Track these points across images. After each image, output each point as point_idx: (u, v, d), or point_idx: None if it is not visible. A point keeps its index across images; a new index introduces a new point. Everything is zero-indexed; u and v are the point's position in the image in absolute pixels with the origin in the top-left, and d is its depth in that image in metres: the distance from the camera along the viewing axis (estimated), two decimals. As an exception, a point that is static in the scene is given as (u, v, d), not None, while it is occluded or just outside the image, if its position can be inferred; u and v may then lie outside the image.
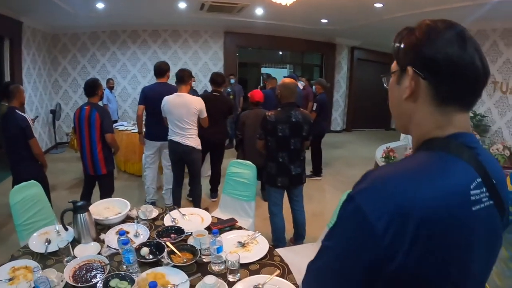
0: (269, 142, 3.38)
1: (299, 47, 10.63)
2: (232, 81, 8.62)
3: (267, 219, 3.67)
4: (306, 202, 3.79)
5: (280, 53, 11.25)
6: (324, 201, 5.42)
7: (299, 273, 1.87)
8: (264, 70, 11.20)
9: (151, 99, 4.32)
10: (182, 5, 6.94)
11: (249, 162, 3.31)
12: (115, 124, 6.47)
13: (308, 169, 6.22)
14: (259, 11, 7.43)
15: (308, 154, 6.29)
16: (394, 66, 0.88)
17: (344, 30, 8.89)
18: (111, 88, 8.09)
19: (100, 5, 6.69)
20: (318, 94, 6.34)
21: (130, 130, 6.16)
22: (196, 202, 4.35)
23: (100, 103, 4.04)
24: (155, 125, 4.42)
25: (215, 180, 5.13)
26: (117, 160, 6.22)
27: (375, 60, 11.47)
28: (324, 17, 7.97)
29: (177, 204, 4.32)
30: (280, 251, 2.19)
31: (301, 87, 7.88)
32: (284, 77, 4.82)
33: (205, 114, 4.09)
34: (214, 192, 5.17)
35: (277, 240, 3.55)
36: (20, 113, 3.58)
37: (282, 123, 3.25)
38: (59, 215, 2.26)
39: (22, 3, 6.05)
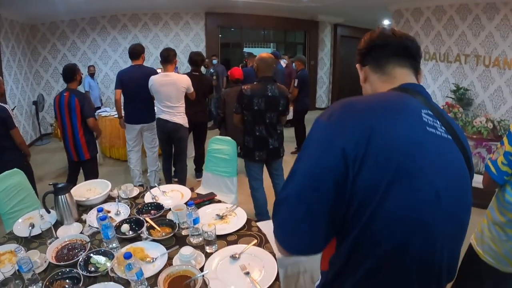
0: (245, 116, 3.42)
1: (281, 25, 10.57)
2: (215, 61, 8.61)
3: (247, 194, 3.76)
4: None
5: (263, 32, 11.18)
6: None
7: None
8: (247, 50, 11.13)
9: (127, 83, 4.34)
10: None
11: (229, 138, 3.34)
12: (98, 111, 6.50)
13: (293, 145, 6.34)
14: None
15: (292, 131, 6.43)
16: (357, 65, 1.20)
17: (327, 7, 8.82)
18: (92, 75, 8.04)
19: (78, -9, 6.50)
20: (299, 71, 6.38)
21: (113, 115, 6.18)
22: (181, 181, 4.42)
23: (82, 90, 4.05)
24: (133, 108, 4.46)
25: (199, 160, 5.21)
26: (102, 146, 6.27)
27: (358, 36, 11.16)
28: (306, -6, 7.88)
29: (169, 181, 4.42)
30: (260, 224, 2.25)
31: (284, 65, 7.95)
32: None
33: (191, 90, 4.24)
34: (199, 172, 5.24)
35: (260, 214, 3.64)
36: (0, 103, 3.59)
37: (258, 97, 3.28)
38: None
39: None
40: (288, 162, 3.77)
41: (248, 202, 3.73)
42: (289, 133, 3.70)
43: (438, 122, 0.91)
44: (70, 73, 3.86)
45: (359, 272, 0.88)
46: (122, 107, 4.57)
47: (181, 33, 9.57)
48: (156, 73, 4.45)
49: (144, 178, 4.96)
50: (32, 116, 8.57)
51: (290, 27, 10.86)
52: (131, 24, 9.20)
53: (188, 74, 4.67)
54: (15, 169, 2.83)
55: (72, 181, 4.07)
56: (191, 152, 5.32)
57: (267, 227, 2.01)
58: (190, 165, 5.10)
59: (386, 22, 9.34)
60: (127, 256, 1.51)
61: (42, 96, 8.68)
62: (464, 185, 0.94)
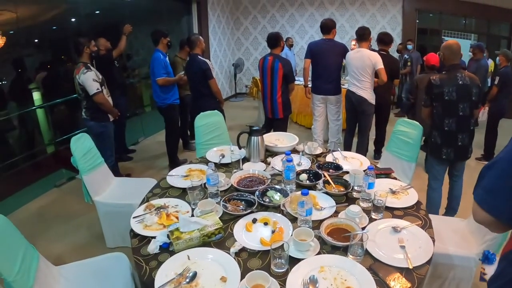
0: (434, 109, 3.17)
1: (484, 14, 9.21)
2: (410, 47, 8.20)
3: (422, 190, 3.46)
4: (468, 184, 3.42)
5: (464, 20, 10.08)
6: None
7: (439, 238, 1.91)
8: (446, 38, 10.25)
9: (316, 54, 4.55)
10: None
11: (417, 123, 3.15)
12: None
13: (480, 151, 5.67)
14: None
15: (482, 135, 5.69)
16: None
17: None
18: (290, 46, 8.57)
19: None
20: (502, 67, 5.59)
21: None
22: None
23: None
24: (319, 79, 4.64)
25: (379, 141, 5.17)
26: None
27: None
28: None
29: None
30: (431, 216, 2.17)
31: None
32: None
33: (379, 66, 4.22)
34: (377, 153, 5.20)
35: (429, 213, 3.42)
36: (201, 58, 4.22)
37: (448, 86, 3.01)
38: (234, 142, 2.71)
39: None
40: (471, 167, 3.42)
41: (419, 198, 3.54)
42: (477, 137, 3.31)
43: None
44: (275, 40, 4.26)
45: None
46: (310, 78, 4.78)
47: (377, 14, 9.36)
48: (346, 48, 4.59)
49: (323, 147, 5.14)
50: (230, 76, 9.92)
51: (494, 17, 9.39)
52: (328, 2, 9.42)
53: (376, 51, 4.60)
54: (216, 110, 3.40)
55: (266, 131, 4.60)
56: (372, 133, 5.28)
57: (434, 220, 1.98)
58: (370, 146, 5.12)
59: None
60: (305, 193, 1.69)
61: (241, 60, 9.84)
62: None
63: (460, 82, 3.00)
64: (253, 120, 7.34)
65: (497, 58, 5.92)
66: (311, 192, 2.06)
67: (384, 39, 4.75)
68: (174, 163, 4.69)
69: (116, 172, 4.03)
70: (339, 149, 3.01)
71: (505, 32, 9.80)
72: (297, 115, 7.01)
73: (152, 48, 4.66)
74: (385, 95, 4.76)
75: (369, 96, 4.39)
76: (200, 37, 4.43)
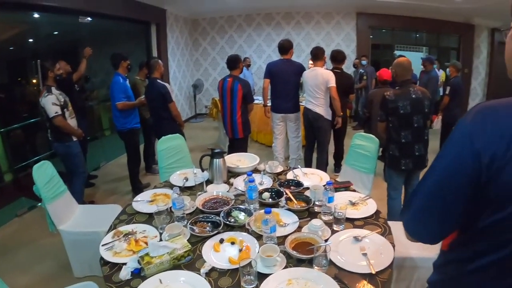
0: (390, 123, 3.33)
1: (434, 28, 9.85)
2: (364, 62, 8.59)
3: (382, 199, 3.62)
4: None
5: (415, 35, 10.64)
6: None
7: (401, 243, 2.01)
8: (398, 52, 10.72)
9: (274, 74, 4.70)
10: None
11: (373, 136, 3.31)
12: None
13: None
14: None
15: (437, 142, 5.99)
16: None
17: (483, 8, 7.90)
18: (247, 66, 8.74)
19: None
20: (452, 78, 5.94)
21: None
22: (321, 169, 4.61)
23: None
24: (278, 98, 4.78)
25: (338, 155, 5.35)
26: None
27: None
28: (460, -6, 7.25)
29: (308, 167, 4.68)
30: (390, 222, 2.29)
31: (438, 71, 7.48)
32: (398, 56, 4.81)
33: (330, 84, 4.40)
34: (338, 167, 5.37)
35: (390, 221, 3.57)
36: (160, 81, 4.27)
37: (402, 100, 3.18)
38: (196, 165, 2.76)
39: None
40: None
41: (379, 207, 3.67)
42: (432, 145, 3.52)
43: None
44: (234, 62, 4.41)
45: (483, 260, 0.91)
46: (269, 97, 4.93)
47: (332, 32, 9.74)
48: (303, 67, 4.79)
49: (285, 165, 5.24)
50: (190, 97, 9.95)
51: (443, 30, 10.00)
52: (285, 22, 9.74)
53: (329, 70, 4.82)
54: (177, 134, 3.46)
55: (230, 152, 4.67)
56: (331, 147, 5.44)
57: (393, 226, 2.09)
58: (330, 160, 5.30)
59: None
60: (268, 211, 1.78)
61: (201, 81, 9.92)
62: None
63: (413, 96, 3.19)
64: (214, 141, 7.40)
65: (448, 69, 6.27)
66: (274, 209, 2.15)
67: (337, 57, 4.94)
68: (137, 188, 4.67)
69: (82, 193, 4.04)
70: (299, 166, 3.12)
71: (454, 44, 10.43)
72: (257, 134, 7.11)
73: (110, 70, 4.65)
74: (342, 110, 4.89)
75: (325, 112, 4.57)
76: (159, 61, 4.47)
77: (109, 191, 5.01)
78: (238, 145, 4.57)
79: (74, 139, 3.88)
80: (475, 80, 10.17)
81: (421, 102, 3.19)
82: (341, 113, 4.62)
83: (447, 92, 5.76)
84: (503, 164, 0.80)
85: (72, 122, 3.86)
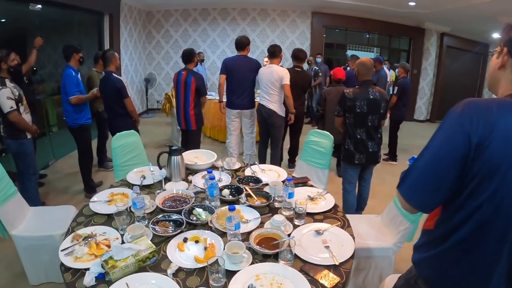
0: (347, 119, 3.47)
1: (386, 30, 10.30)
2: (319, 60, 8.77)
3: (337, 193, 3.75)
4: (378, 183, 3.83)
5: (368, 35, 11.00)
6: (395, 185, 5.42)
7: (358, 234, 2.13)
8: (350, 52, 11.01)
9: (231, 70, 4.71)
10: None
11: (327, 133, 3.40)
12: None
13: (384, 152, 6.23)
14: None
15: (385, 138, 6.27)
16: (499, 47, 1.18)
17: (433, 14, 8.44)
18: (201, 61, 8.62)
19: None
20: (401, 78, 6.20)
21: (217, 99, 6.61)
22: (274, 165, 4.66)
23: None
24: (233, 94, 4.80)
25: (293, 151, 5.44)
26: (204, 126, 6.80)
27: (466, 48, 10.66)
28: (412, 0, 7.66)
29: (262, 163, 4.74)
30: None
31: (387, 71, 7.77)
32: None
33: (285, 82, 4.47)
34: (292, 163, 5.48)
35: (346, 213, 3.69)
36: (116, 76, 4.09)
37: (360, 100, 3.34)
38: (153, 161, 2.70)
39: None
40: (377, 167, 3.83)
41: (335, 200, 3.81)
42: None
43: None
44: (189, 56, 4.42)
45: (463, 230, 1.11)
46: (224, 93, 4.93)
47: (287, 30, 9.86)
48: (259, 64, 4.84)
49: (239, 161, 5.26)
50: (141, 92, 9.69)
51: (395, 33, 10.49)
52: (240, 18, 9.73)
53: (290, 68, 4.92)
54: (132, 130, 3.36)
55: (185, 145, 4.67)
56: (286, 143, 5.54)
57: (353, 218, 2.24)
58: (285, 156, 5.41)
59: (495, 36, 8.65)
60: (232, 208, 1.78)
61: (153, 75, 9.68)
62: None
63: (371, 97, 3.35)
64: (167, 137, 7.28)
65: (396, 70, 6.52)
66: (235, 206, 2.16)
67: (300, 56, 5.04)
68: (89, 186, 4.49)
69: (37, 196, 3.84)
70: (256, 162, 3.15)
71: (405, 46, 10.89)
72: (210, 130, 7.08)
73: (59, 62, 4.42)
74: (299, 107, 5.00)
75: (278, 109, 4.64)
76: (115, 53, 4.29)
77: (60, 190, 4.76)
78: (191, 137, 4.62)
79: (29, 136, 3.65)
80: (423, 80, 10.68)
81: (377, 103, 3.36)
82: (294, 110, 4.68)
83: (395, 92, 6.02)
84: (486, 144, 1.01)
85: (27, 117, 3.62)
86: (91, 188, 4.41)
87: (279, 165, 4.88)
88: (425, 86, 10.74)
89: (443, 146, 1.10)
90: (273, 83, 4.52)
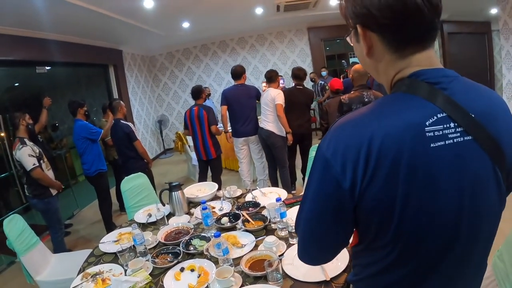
0: None
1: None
2: (324, 73, 8.87)
3: None
4: None
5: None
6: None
7: None
8: (352, 59, 11.06)
9: (230, 100, 4.90)
10: (259, 11, 7.41)
11: None
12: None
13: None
14: (333, 2, 7.44)
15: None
16: (350, 27, 0.92)
17: None
18: (208, 95, 8.87)
19: (185, 25, 7.50)
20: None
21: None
22: (284, 187, 4.76)
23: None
24: (237, 123, 4.97)
25: (305, 169, 5.45)
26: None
27: (468, 31, 10.39)
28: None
29: (274, 185, 4.90)
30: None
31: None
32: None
33: (277, 101, 4.61)
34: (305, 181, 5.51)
35: None
36: (123, 122, 4.45)
37: (356, 103, 3.62)
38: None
39: (119, 35, 7.13)
40: None
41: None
42: None
43: (451, 124, 0.78)
44: (198, 92, 4.83)
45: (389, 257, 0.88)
46: (229, 123, 5.11)
47: (286, 50, 10.06)
48: (257, 89, 5.05)
49: (254, 187, 5.33)
50: (156, 134, 9.98)
51: None
52: (239, 47, 10.02)
53: (292, 88, 5.13)
54: (140, 172, 3.55)
55: (203, 178, 4.99)
56: (299, 163, 5.62)
57: None
58: (299, 174, 5.56)
59: (493, 11, 8.48)
60: (216, 235, 1.90)
61: (165, 116, 10.00)
62: (485, 190, 0.83)
63: (366, 100, 3.63)
64: (184, 174, 7.50)
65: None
66: (232, 232, 2.28)
67: (299, 74, 5.14)
68: (111, 230, 4.64)
69: (64, 246, 4.03)
70: (257, 187, 3.25)
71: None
72: (224, 161, 7.18)
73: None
74: (305, 125, 5.14)
75: (275, 128, 4.75)
76: (121, 101, 4.66)
77: (85, 237, 5.02)
78: (213, 165, 4.89)
79: (54, 193, 3.88)
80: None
81: None
82: (289, 130, 4.74)
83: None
84: (365, 185, 0.78)
85: (50, 173, 3.85)
86: (113, 231, 4.64)
87: (293, 185, 5.01)
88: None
89: (315, 196, 0.88)
90: (267, 104, 4.70)
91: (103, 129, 4.66)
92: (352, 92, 3.75)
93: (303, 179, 5.52)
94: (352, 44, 0.95)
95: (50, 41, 5.65)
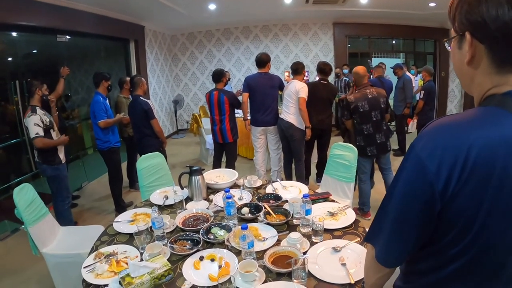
0: (355, 120, 4.10)
1: (410, 34, 10.07)
2: (346, 71, 8.73)
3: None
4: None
5: (392, 41, 10.85)
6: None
7: None
8: (375, 60, 10.85)
9: (253, 88, 4.79)
10: (287, 0, 7.28)
11: (351, 146, 3.41)
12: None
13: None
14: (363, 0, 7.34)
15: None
16: (453, 31, 0.89)
17: None
18: (228, 79, 8.78)
19: (211, 6, 7.39)
20: (426, 82, 6.11)
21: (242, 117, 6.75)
22: (299, 179, 4.70)
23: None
24: (257, 112, 4.88)
25: (321, 165, 5.30)
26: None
27: None
28: (432, 0, 7.50)
29: (289, 179, 4.83)
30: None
31: (411, 76, 7.65)
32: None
33: (301, 95, 4.56)
34: (319, 177, 5.35)
35: (362, 204, 4.30)
36: (143, 98, 4.37)
37: (361, 101, 3.96)
38: (177, 182, 2.78)
39: (143, 10, 7.03)
40: (394, 162, 4.24)
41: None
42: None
43: None
44: (219, 75, 4.78)
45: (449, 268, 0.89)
46: (249, 111, 5.01)
47: (310, 43, 9.90)
48: (281, 79, 4.95)
49: (267, 177, 5.30)
50: (171, 113, 9.94)
51: (419, 36, 10.20)
52: (263, 35, 9.88)
53: (316, 82, 5.05)
54: (157, 152, 3.47)
55: (217, 162, 5.00)
56: (315, 157, 5.55)
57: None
58: (313, 170, 5.50)
59: None
60: (244, 227, 1.80)
61: (181, 96, 9.93)
62: None
63: (370, 96, 3.98)
64: (196, 156, 7.42)
65: (421, 75, 6.45)
66: (253, 224, 2.18)
67: (325, 69, 5.04)
68: (120, 206, 4.65)
69: (70, 216, 4.01)
70: (278, 179, 3.17)
71: (431, 49, 10.57)
72: (239, 147, 7.08)
73: (90, 88, 4.67)
74: (326, 120, 5.05)
75: (296, 121, 4.66)
76: (142, 78, 4.57)
77: (92, 211, 4.97)
78: (228, 149, 4.90)
79: (63, 161, 3.87)
80: (452, 82, 10.29)
81: (377, 100, 3.99)
82: (309, 125, 4.68)
83: (421, 96, 5.94)
84: (456, 190, 0.78)
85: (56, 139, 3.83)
86: (121, 208, 4.54)
87: (307, 180, 4.93)
88: (455, 88, 10.36)
89: (405, 196, 0.87)
90: (290, 95, 4.63)
91: (107, 119, 4.56)
92: (356, 91, 4.09)
93: (317, 174, 5.48)
94: (449, 49, 0.94)
95: (74, 10, 5.57)
